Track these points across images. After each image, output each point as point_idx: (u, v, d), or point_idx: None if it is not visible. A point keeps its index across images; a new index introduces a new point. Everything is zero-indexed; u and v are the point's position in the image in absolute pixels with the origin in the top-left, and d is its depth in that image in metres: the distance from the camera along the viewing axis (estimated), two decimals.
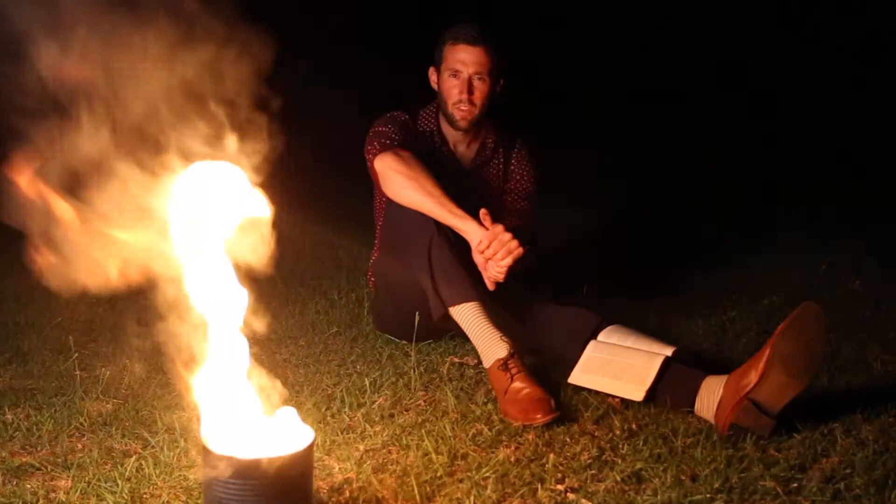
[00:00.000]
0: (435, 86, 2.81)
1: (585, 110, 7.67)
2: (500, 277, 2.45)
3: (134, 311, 2.74)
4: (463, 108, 2.72)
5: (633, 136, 7.37)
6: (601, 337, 2.48)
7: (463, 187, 2.69)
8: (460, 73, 2.71)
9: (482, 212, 2.47)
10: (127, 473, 1.90)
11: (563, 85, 8.02)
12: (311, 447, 1.64)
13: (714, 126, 7.54)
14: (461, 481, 1.89)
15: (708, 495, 1.83)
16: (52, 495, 1.82)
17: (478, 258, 2.47)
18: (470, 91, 2.71)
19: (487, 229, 2.44)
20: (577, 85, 8.05)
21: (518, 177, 2.87)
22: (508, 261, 2.42)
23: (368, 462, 1.98)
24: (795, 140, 7.08)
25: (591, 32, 8.31)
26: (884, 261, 3.79)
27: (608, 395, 2.32)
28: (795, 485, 1.88)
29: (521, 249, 2.42)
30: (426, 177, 2.52)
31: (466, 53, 2.70)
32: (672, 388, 2.26)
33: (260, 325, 1.74)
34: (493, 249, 2.41)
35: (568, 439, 2.10)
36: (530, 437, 2.11)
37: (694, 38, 8.44)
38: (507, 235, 2.42)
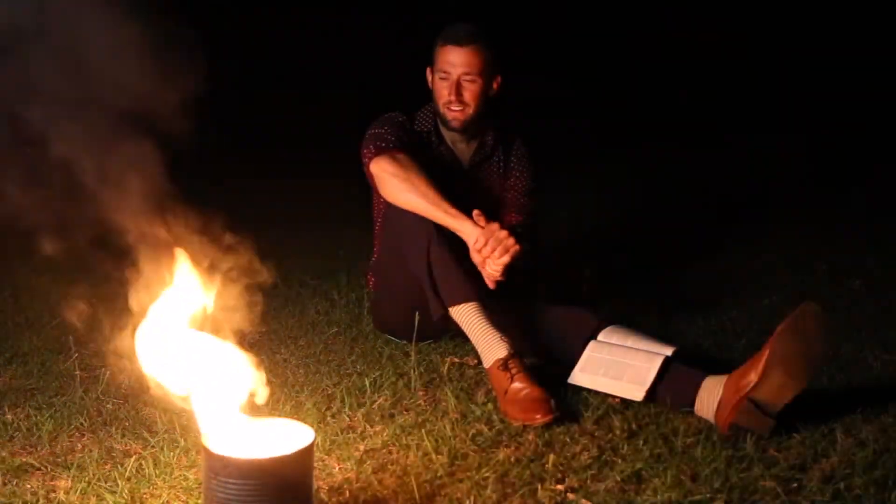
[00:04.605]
0: (431, 86, 2.81)
1: (586, 111, 7.68)
2: (498, 276, 2.45)
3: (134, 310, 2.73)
4: (454, 108, 2.71)
5: (633, 136, 7.37)
6: (601, 337, 2.48)
7: (462, 186, 2.68)
8: (449, 75, 2.70)
9: (475, 213, 2.46)
10: (127, 473, 1.90)
11: (564, 85, 8.04)
12: (311, 447, 1.64)
13: (714, 126, 7.55)
14: (461, 481, 1.89)
15: (708, 495, 1.83)
16: (52, 495, 1.82)
17: (476, 257, 2.47)
18: (458, 93, 2.70)
19: (483, 228, 2.43)
20: (578, 85, 8.07)
21: (518, 174, 2.87)
22: (506, 258, 2.41)
23: (368, 462, 1.98)
24: (795, 140, 7.08)
25: (595, 42, 8.34)
26: (884, 261, 3.79)
27: (608, 395, 2.31)
28: (795, 485, 1.88)
29: (517, 247, 2.41)
30: (421, 178, 2.52)
31: (454, 55, 2.68)
32: (672, 388, 2.26)
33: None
34: (491, 246, 2.41)
35: (568, 439, 2.10)
36: (530, 437, 2.11)
37: (694, 40, 8.45)
38: (504, 233, 2.41)
